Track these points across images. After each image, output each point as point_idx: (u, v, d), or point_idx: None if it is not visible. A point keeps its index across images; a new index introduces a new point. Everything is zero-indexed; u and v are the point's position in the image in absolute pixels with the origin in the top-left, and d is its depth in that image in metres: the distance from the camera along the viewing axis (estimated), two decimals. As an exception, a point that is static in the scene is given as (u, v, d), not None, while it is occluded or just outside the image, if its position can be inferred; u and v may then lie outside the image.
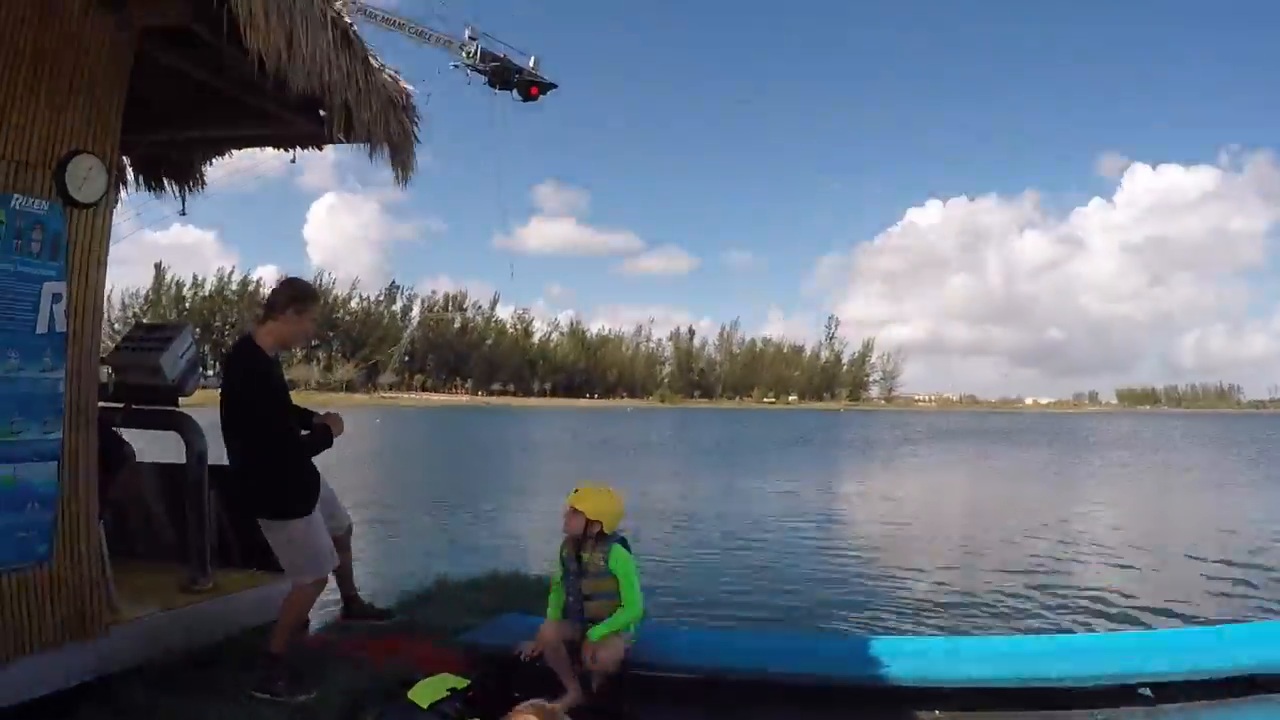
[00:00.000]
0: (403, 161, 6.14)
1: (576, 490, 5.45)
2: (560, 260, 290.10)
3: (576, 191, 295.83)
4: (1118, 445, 49.85)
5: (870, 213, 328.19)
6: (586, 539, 5.35)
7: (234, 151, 7.25)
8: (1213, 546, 13.76)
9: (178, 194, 7.37)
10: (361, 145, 5.97)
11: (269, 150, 7.02)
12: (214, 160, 7.36)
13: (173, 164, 7.20)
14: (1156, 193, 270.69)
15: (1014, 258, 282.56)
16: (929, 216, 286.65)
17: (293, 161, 7.10)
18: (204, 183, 7.40)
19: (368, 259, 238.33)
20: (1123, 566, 12.40)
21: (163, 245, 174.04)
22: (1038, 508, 19.54)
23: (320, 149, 6.81)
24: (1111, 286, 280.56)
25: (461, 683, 5.49)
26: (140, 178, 7.19)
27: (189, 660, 5.51)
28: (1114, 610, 9.50)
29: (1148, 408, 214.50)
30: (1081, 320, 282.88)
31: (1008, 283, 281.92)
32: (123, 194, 6.81)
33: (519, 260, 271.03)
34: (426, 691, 5.34)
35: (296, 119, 6.02)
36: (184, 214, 7.50)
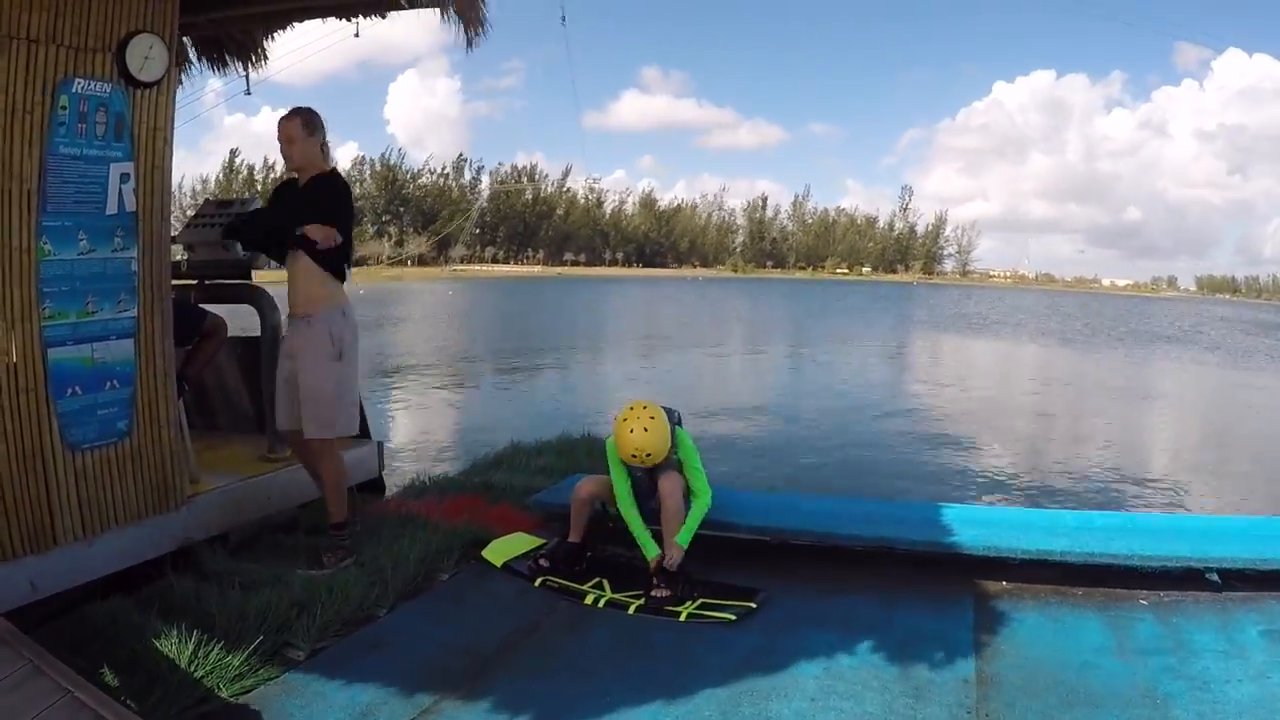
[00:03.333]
0: (471, 21, 6.04)
1: (627, 416, 5.21)
2: (651, 135, 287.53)
3: (673, 71, 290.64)
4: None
5: (956, 90, 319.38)
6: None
7: (296, 25, 7.16)
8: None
9: (241, 72, 7.28)
10: (427, 11, 5.87)
11: (333, 22, 6.91)
12: (276, 35, 7.28)
13: (235, 42, 7.09)
14: (1245, 80, 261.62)
15: (1096, 137, 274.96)
16: (1015, 94, 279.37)
17: (356, 35, 7.01)
18: (266, 58, 7.30)
19: (450, 137, 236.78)
20: (1197, 456, 12.28)
21: (256, 131, 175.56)
22: (1113, 390, 19.35)
23: (384, 16, 6.67)
24: (1192, 171, 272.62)
25: (535, 543, 5.63)
26: (203, 58, 7.13)
27: (269, 526, 5.70)
28: (1185, 496, 9.45)
29: (1227, 296, 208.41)
30: (1160, 203, 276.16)
31: (1088, 161, 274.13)
32: (187, 75, 6.82)
33: (610, 135, 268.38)
34: (500, 550, 5.49)
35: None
36: (249, 93, 7.48)
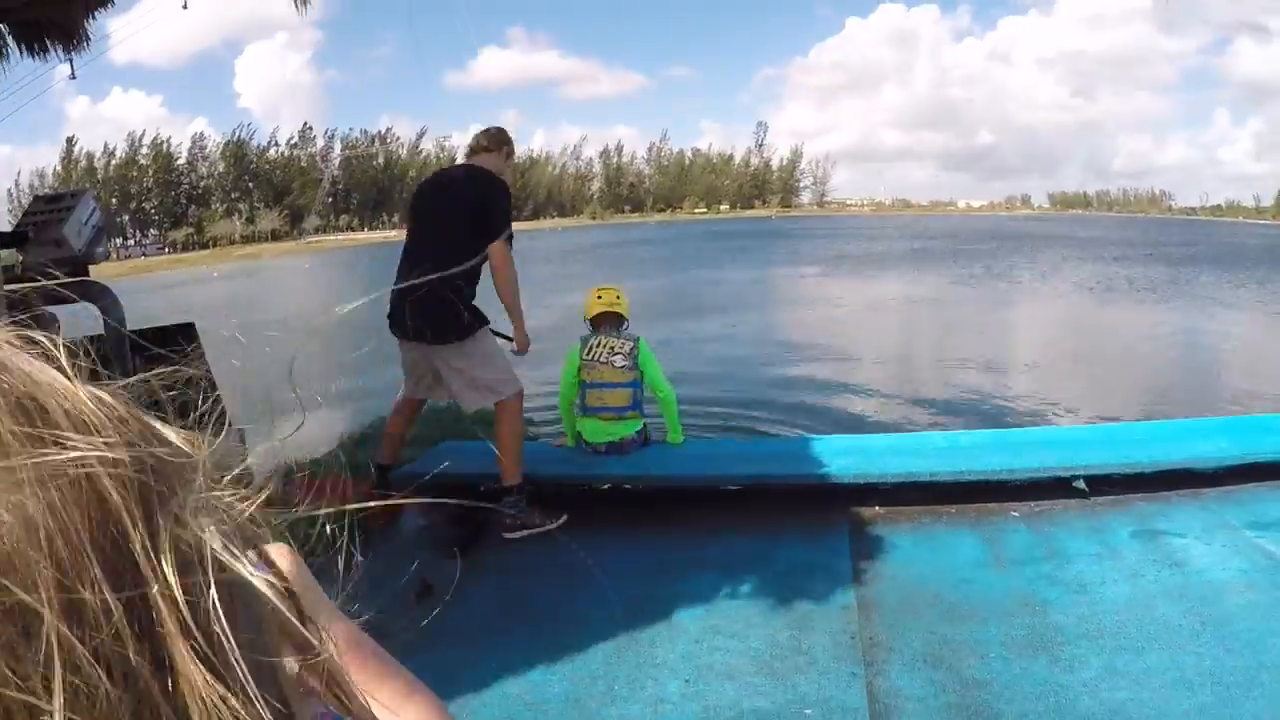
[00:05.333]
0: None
1: (601, 290, 6.10)
2: (514, 90, 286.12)
3: (537, 29, 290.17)
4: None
5: (810, 29, 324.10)
6: (609, 331, 5.95)
7: (114, 2, 6.80)
8: (1147, 350, 14.05)
9: (64, 56, 6.91)
10: None
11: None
12: (96, 14, 6.91)
13: (55, 25, 6.73)
14: (1089, 7, 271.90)
15: (946, 66, 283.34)
16: (866, 29, 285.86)
17: (184, 7, 6.70)
18: (89, 40, 6.93)
19: (305, 106, 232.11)
20: (1055, 367, 12.63)
21: (108, 117, 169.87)
22: (973, 314, 19.80)
23: None
24: (1040, 95, 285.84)
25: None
26: (22, 45, 6.73)
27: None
28: (1049, 407, 9.69)
29: (1080, 211, 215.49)
30: (1010, 125, 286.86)
31: (939, 89, 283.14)
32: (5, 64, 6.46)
33: (473, 94, 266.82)
34: None
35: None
36: (74, 78, 7.15)
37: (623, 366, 5.83)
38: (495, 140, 5.70)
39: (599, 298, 6.02)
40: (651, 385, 5.93)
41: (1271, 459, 5.51)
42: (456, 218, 5.32)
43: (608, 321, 6.00)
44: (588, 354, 5.88)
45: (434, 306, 5.19)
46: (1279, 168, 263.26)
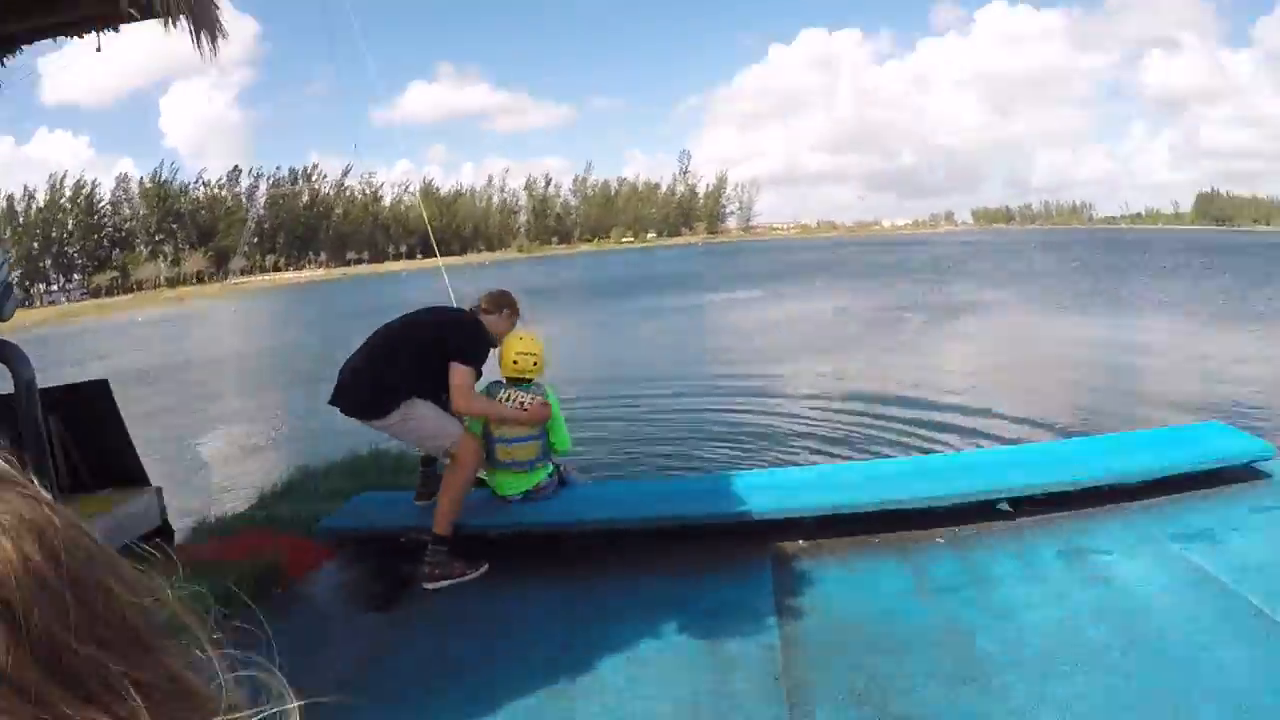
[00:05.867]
0: (207, 30, 5.70)
1: (521, 338, 5.85)
2: (441, 125, 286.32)
3: (467, 62, 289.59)
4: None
5: (732, 57, 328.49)
6: (520, 383, 5.79)
7: (25, 47, 6.64)
8: (1069, 364, 14.23)
9: (-31, 99, 6.72)
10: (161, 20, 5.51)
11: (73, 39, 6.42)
12: (5, 60, 6.74)
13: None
14: (1004, 29, 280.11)
15: (867, 89, 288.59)
16: (789, 55, 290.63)
17: (98, 50, 6.55)
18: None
19: (231, 144, 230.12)
20: (977, 388, 12.73)
21: (35, 158, 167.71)
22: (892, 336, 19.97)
23: (117, 30, 6.21)
24: (958, 115, 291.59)
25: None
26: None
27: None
28: (971, 430, 9.76)
29: (1003, 225, 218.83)
30: (931, 145, 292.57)
31: (861, 111, 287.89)
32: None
33: (404, 129, 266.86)
34: None
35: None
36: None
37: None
38: (495, 303, 5.88)
39: (515, 363, 5.81)
40: (552, 431, 5.85)
41: (1193, 470, 5.59)
42: (423, 334, 5.59)
43: (520, 380, 5.88)
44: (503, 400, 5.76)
45: (371, 385, 5.44)
46: (1194, 175, 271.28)
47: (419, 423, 5.42)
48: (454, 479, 5.38)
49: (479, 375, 5.48)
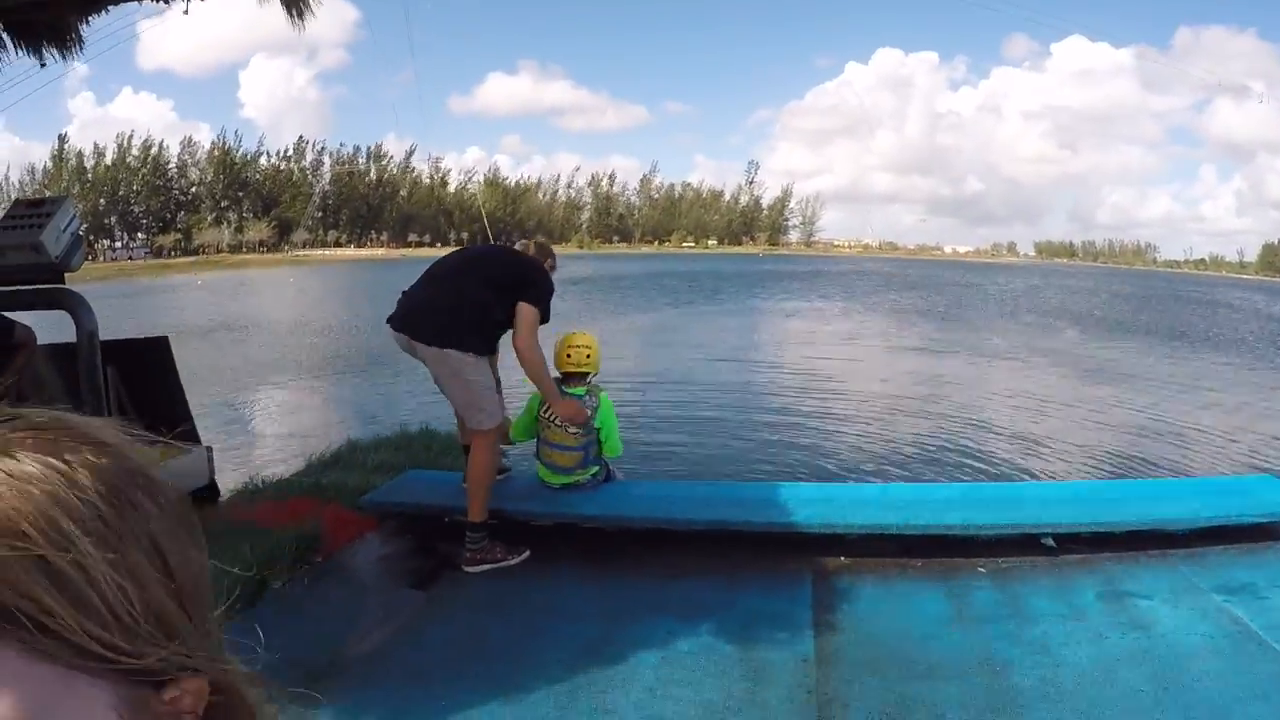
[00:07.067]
0: (297, 2, 5.79)
1: (574, 333, 5.95)
2: (517, 118, 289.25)
3: (550, 61, 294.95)
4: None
5: (806, 73, 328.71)
6: (574, 383, 5.83)
7: (111, 7, 6.78)
8: (1120, 409, 14.07)
9: (59, 57, 6.94)
10: None
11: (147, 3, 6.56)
12: (89, 19, 6.89)
13: (48, 26, 6.71)
14: (1079, 64, 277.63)
15: (939, 113, 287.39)
16: (863, 74, 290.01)
17: (186, 13, 6.67)
18: (81, 43, 6.92)
19: (309, 120, 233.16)
20: (1032, 424, 12.62)
21: (119, 119, 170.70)
22: (956, 365, 19.79)
23: None
24: (1026, 145, 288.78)
25: None
26: (16, 45, 6.71)
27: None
28: (1020, 464, 9.67)
29: (1065, 261, 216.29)
30: (996, 174, 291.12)
31: (930, 135, 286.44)
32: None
33: (479, 118, 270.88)
34: None
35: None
36: (64, 75, 7.17)
37: (575, 433, 5.77)
38: (543, 251, 6.04)
39: (568, 356, 5.87)
40: (604, 438, 5.87)
41: (1241, 522, 5.48)
42: (493, 266, 5.57)
43: (574, 377, 5.90)
44: (545, 410, 5.79)
45: (446, 312, 5.32)
46: (1260, 224, 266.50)
47: (471, 385, 5.31)
48: (476, 473, 5.39)
49: (546, 319, 5.45)
